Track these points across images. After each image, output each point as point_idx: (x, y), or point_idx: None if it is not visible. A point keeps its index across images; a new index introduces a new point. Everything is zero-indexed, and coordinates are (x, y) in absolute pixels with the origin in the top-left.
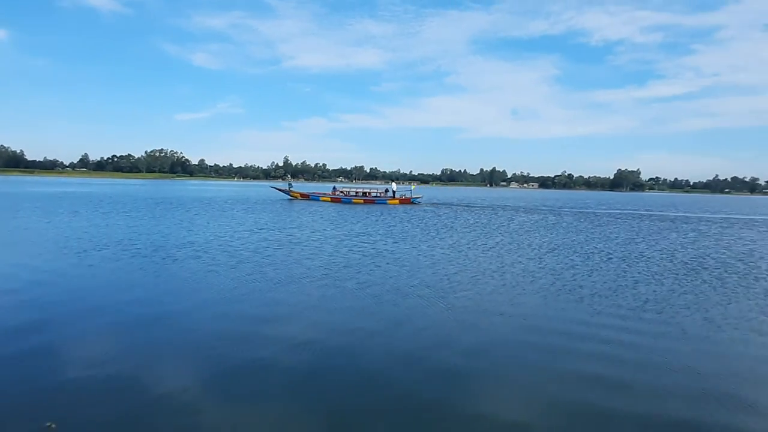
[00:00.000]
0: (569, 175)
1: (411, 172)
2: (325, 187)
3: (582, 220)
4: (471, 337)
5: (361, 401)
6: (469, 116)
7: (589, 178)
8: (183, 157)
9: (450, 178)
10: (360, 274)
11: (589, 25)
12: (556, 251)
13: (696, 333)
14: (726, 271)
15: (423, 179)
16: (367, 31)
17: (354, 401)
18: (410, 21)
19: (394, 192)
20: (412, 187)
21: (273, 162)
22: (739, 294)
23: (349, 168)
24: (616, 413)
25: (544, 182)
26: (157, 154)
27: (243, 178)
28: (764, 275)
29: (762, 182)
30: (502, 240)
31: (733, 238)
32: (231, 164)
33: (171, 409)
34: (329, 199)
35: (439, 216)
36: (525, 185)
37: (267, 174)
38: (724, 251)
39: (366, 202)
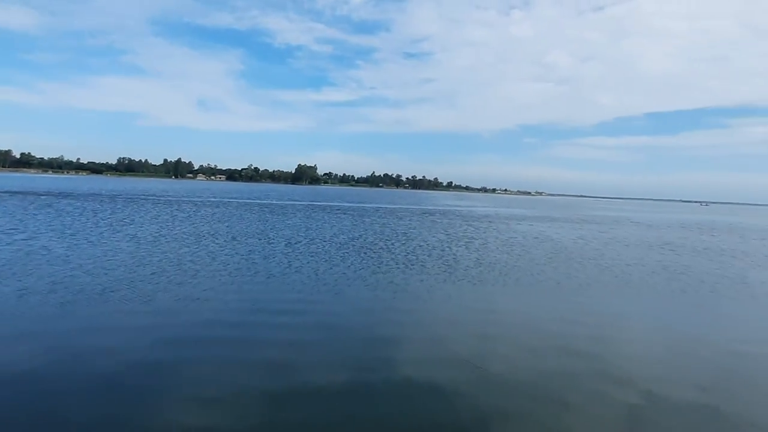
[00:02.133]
0: (255, 168)
1: (79, 159)
2: None
3: (263, 210)
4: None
5: None
6: (151, 102)
7: (273, 171)
8: None
9: (128, 168)
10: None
11: (272, 26)
12: (241, 239)
13: (355, 296)
14: (383, 248)
15: (95, 168)
16: None
17: None
18: None
19: None
20: None
21: None
22: (383, 260)
23: None
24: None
25: (232, 175)
26: None
27: None
28: (401, 250)
29: (403, 178)
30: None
31: (388, 222)
32: None
33: None
34: None
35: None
36: (213, 177)
37: None
38: (383, 232)
39: None
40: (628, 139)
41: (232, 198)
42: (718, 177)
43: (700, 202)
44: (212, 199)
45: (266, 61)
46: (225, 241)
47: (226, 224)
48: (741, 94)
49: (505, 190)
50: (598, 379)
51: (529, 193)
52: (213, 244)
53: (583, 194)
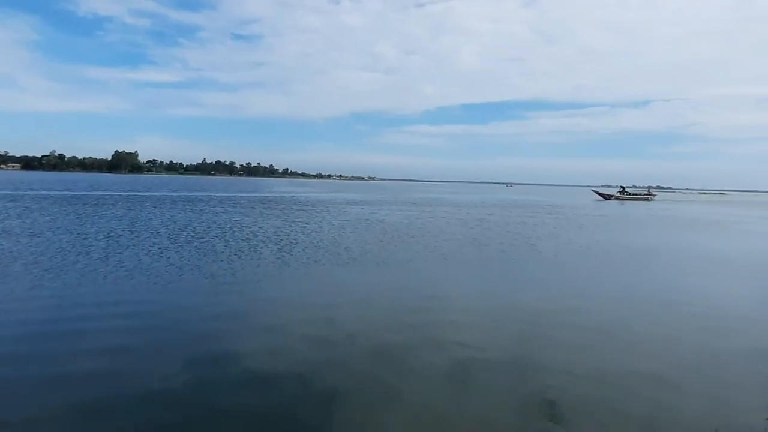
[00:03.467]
0: (60, 155)
1: None
2: None
3: (75, 203)
4: None
5: None
6: None
7: (84, 159)
8: None
9: None
10: None
11: None
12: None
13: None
14: (218, 236)
15: None
16: None
17: None
18: None
19: None
20: None
21: None
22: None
23: None
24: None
25: (29, 163)
26: None
27: None
28: (235, 237)
29: (238, 165)
30: None
31: (221, 210)
32: None
33: None
34: None
35: None
36: (4, 166)
37: None
38: (211, 220)
39: None
40: (448, 127)
41: (28, 190)
42: (520, 161)
43: (506, 183)
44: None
45: (68, 32)
46: (24, 238)
47: (23, 220)
48: (534, 91)
49: (340, 175)
50: (429, 346)
51: (363, 178)
52: (6, 243)
53: (412, 178)
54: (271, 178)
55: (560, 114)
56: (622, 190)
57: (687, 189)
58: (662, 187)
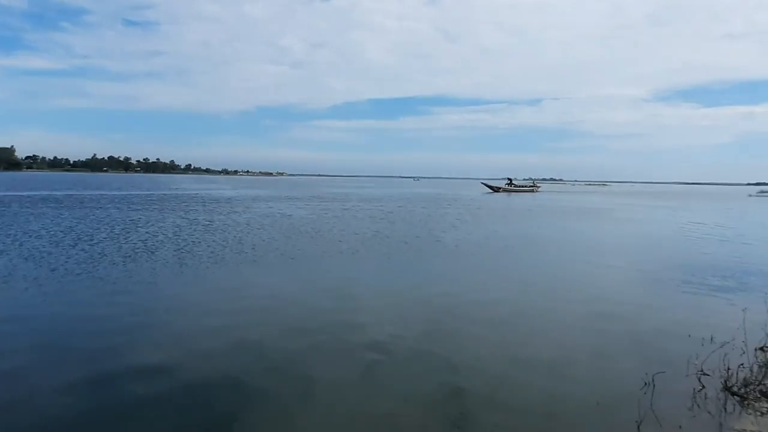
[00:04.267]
0: None
1: None
2: None
3: None
4: None
5: None
6: None
7: None
8: None
9: None
10: None
11: None
12: None
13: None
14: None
15: None
16: None
17: None
18: None
19: None
20: None
21: None
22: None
23: None
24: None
25: None
26: None
27: None
28: (130, 239)
29: (134, 161)
30: None
31: (114, 209)
32: None
33: None
34: None
35: None
36: None
37: None
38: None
39: None
40: (357, 122)
41: None
42: (427, 155)
43: (413, 177)
44: None
45: None
46: None
47: None
48: (439, 87)
49: (248, 171)
50: (337, 348)
51: (272, 173)
52: None
53: (322, 173)
54: (173, 175)
55: (463, 110)
56: (510, 182)
57: (576, 181)
58: (555, 179)
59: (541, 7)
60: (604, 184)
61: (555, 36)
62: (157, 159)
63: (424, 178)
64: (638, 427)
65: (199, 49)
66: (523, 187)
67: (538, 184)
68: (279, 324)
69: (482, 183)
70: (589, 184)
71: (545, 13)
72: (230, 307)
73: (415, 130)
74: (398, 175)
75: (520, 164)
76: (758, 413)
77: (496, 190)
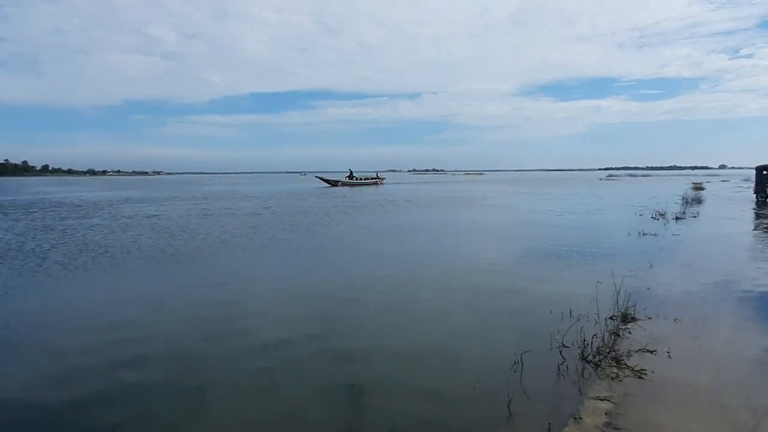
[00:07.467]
0: None
1: None
2: None
3: None
4: None
5: None
6: None
7: None
8: None
9: None
10: None
11: None
12: None
13: None
14: None
15: None
16: None
17: None
18: None
19: None
20: None
21: None
22: None
23: None
24: None
25: None
26: None
27: None
28: None
29: None
30: None
31: None
32: None
33: None
34: None
35: None
36: None
37: None
38: None
39: None
40: (238, 117)
41: None
42: (312, 150)
43: (299, 172)
44: None
45: None
46: None
47: None
48: (321, 81)
49: (118, 171)
50: (232, 353)
51: (147, 172)
52: None
53: (201, 171)
54: (26, 177)
55: (347, 104)
56: (350, 174)
57: (455, 170)
58: (437, 170)
59: (415, 4)
60: (481, 173)
61: (430, 33)
62: (6, 160)
63: (311, 172)
64: (508, 405)
65: (49, 36)
66: (366, 179)
67: (382, 176)
68: (163, 337)
69: (316, 177)
70: (468, 173)
71: (420, 11)
72: (100, 322)
73: (299, 125)
74: (284, 170)
75: (404, 155)
76: (610, 378)
77: (333, 184)
